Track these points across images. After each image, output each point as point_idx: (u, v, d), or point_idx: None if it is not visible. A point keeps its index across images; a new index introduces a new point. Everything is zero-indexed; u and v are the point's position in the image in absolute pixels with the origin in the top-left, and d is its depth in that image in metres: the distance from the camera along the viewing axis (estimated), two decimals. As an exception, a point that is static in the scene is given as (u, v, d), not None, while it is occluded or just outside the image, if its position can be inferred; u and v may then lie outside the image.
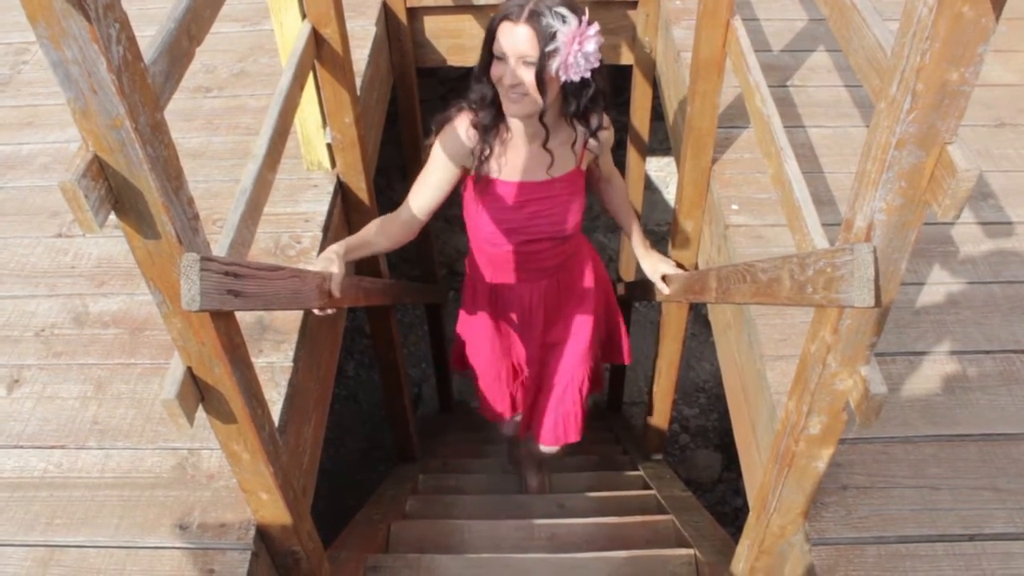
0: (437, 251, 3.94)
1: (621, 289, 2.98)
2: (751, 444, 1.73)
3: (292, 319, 1.73)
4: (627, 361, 2.53)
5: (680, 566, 2.04)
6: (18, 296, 1.86)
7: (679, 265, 2.23)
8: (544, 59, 1.56)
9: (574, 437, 2.35)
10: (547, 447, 2.45)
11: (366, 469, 4.00)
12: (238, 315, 1.14)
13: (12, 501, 1.48)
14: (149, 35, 0.97)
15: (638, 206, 3.37)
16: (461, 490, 3.10)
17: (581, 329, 2.23)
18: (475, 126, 1.77)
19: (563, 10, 1.55)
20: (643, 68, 2.88)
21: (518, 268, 2.04)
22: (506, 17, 1.58)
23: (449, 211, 4.59)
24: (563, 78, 1.60)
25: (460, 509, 2.79)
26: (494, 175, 1.84)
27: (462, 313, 2.32)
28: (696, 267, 2.26)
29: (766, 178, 1.98)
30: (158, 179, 0.89)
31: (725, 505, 3.77)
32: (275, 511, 1.36)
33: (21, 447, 1.57)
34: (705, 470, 3.89)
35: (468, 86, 1.77)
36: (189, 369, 1.09)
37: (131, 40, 0.83)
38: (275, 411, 1.56)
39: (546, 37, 1.55)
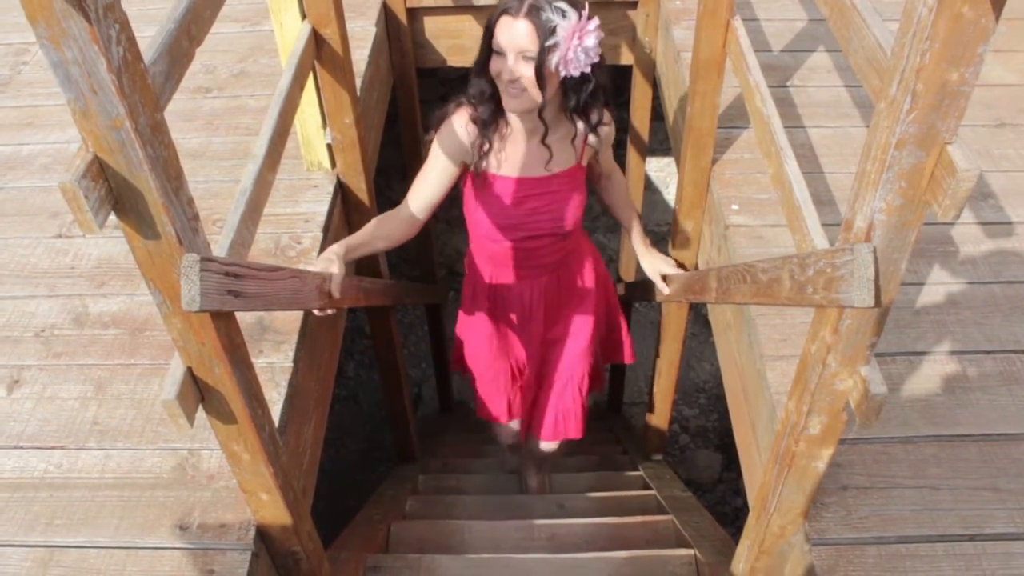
0: (437, 252, 3.94)
1: (621, 289, 2.98)
2: (751, 444, 1.73)
3: (292, 319, 1.73)
4: (629, 360, 2.51)
5: (680, 566, 2.04)
6: (18, 296, 1.86)
7: (679, 265, 2.23)
8: (543, 54, 1.56)
9: (574, 433, 2.35)
10: (547, 444, 2.44)
11: (366, 469, 4.00)
12: (238, 315, 1.14)
13: (12, 501, 1.48)
14: (149, 36, 0.97)
15: (638, 206, 3.37)
16: (461, 490, 3.10)
17: (581, 327, 2.23)
18: (474, 121, 1.76)
19: (563, 5, 1.54)
20: (643, 68, 2.88)
21: (518, 265, 2.03)
22: (505, 11, 1.57)
23: (449, 212, 4.59)
24: (563, 73, 1.60)
25: (460, 509, 2.79)
26: (493, 171, 1.83)
27: (461, 313, 2.31)
28: (696, 267, 2.26)
29: (766, 178, 1.98)
30: (158, 179, 0.89)
31: (725, 505, 3.77)
32: (275, 511, 1.36)
33: (21, 447, 1.57)
34: (705, 470, 3.89)
35: (468, 84, 1.76)
36: (189, 369, 1.09)
37: (131, 41, 0.83)
38: (275, 411, 1.56)
39: (545, 32, 1.54)
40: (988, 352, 1.65)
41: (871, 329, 1.03)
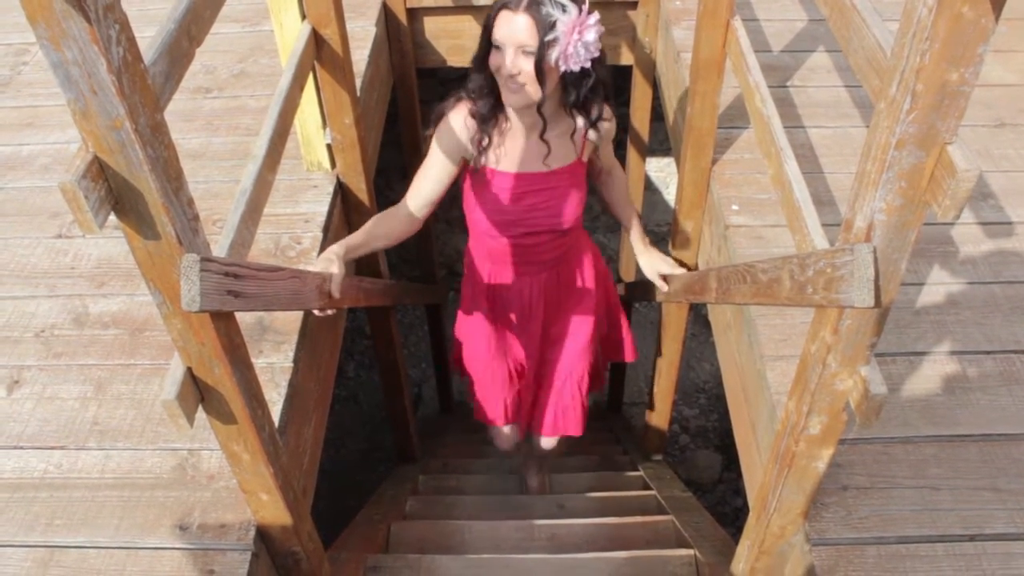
0: (437, 252, 3.95)
1: (621, 289, 2.98)
2: (751, 444, 1.73)
3: (292, 320, 1.73)
4: (630, 358, 2.49)
5: (680, 567, 2.04)
6: (18, 297, 1.86)
7: (679, 263, 2.22)
8: (543, 49, 1.54)
9: (573, 430, 2.34)
10: (547, 440, 2.44)
11: (366, 470, 4.00)
12: (238, 316, 1.14)
13: (12, 502, 1.48)
14: (149, 36, 0.97)
15: (638, 207, 3.37)
16: (461, 490, 3.10)
17: (581, 325, 2.22)
18: (473, 116, 1.75)
19: None
20: (643, 68, 2.88)
21: (517, 261, 2.03)
22: (505, 6, 1.56)
23: (449, 212, 4.60)
24: (563, 68, 1.58)
25: (460, 509, 2.79)
26: (492, 166, 1.83)
27: (460, 314, 2.31)
28: (696, 267, 2.25)
29: (766, 178, 1.98)
30: (158, 180, 0.89)
31: (725, 505, 3.77)
32: (275, 512, 1.36)
33: (21, 448, 1.57)
34: (705, 471, 3.89)
35: (468, 79, 1.76)
36: (189, 370, 1.09)
37: (131, 41, 0.83)
38: (275, 412, 1.56)
39: (545, 26, 1.53)
40: (988, 352, 1.65)
41: (871, 329, 1.03)
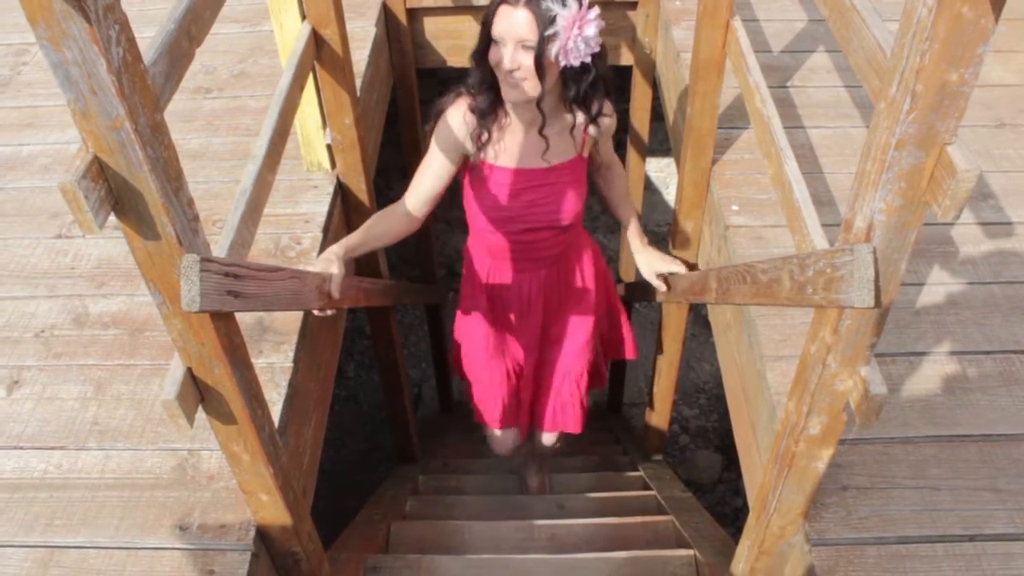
0: (437, 252, 3.95)
1: (621, 290, 2.98)
2: (751, 445, 1.73)
3: (292, 320, 1.73)
4: (631, 356, 2.48)
5: (680, 567, 2.04)
6: (18, 297, 1.86)
7: (686, 264, 2.19)
8: (543, 43, 1.54)
9: (572, 427, 2.33)
10: (547, 436, 2.43)
11: (366, 470, 4.00)
12: (238, 316, 1.14)
13: (12, 502, 1.48)
14: (149, 36, 0.97)
15: (638, 207, 3.37)
16: (461, 491, 3.10)
17: (580, 324, 2.21)
18: (472, 111, 1.74)
19: None
20: (643, 69, 2.88)
21: (517, 258, 2.02)
22: (505, 0, 1.56)
23: (449, 212, 4.59)
24: (562, 63, 1.58)
25: (460, 510, 2.79)
26: (491, 161, 1.82)
27: (458, 314, 2.30)
28: (695, 267, 2.25)
29: (766, 179, 1.98)
30: (158, 180, 0.89)
31: (725, 506, 3.77)
32: (275, 512, 1.36)
33: (21, 448, 1.57)
34: (705, 471, 3.89)
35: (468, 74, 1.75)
36: (189, 370, 1.09)
37: (131, 41, 0.84)
38: (275, 412, 1.56)
39: (545, 21, 1.52)
40: (988, 352, 1.65)
41: (871, 329, 1.03)
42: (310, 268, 1.59)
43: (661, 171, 5.03)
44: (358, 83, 2.19)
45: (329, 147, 2.03)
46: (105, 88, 0.80)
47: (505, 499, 2.93)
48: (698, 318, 4.49)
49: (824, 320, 1.06)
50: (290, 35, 1.75)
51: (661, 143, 4.46)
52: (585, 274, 2.17)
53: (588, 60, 1.58)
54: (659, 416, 3.01)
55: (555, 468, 3.09)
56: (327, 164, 2.07)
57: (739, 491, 3.79)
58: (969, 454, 1.49)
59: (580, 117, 1.78)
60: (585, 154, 1.88)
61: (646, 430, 3.20)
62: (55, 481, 1.51)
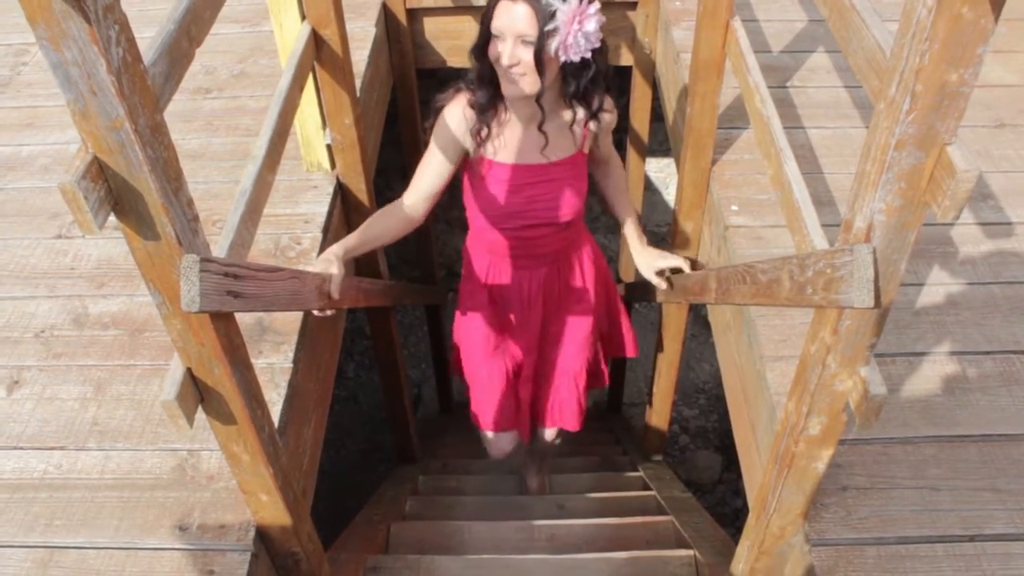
0: (437, 252, 3.95)
1: (621, 290, 2.98)
2: (751, 445, 1.73)
3: (292, 320, 1.73)
4: (632, 353, 2.47)
5: (680, 567, 2.04)
6: (18, 297, 1.86)
7: (690, 262, 2.16)
8: (543, 39, 1.53)
9: (571, 424, 2.33)
10: (548, 432, 2.43)
11: (366, 470, 4.00)
12: (238, 316, 1.14)
13: (12, 502, 1.48)
14: (149, 36, 0.97)
15: (638, 207, 3.37)
16: (461, 491, 3.10)
17: (580, 322, 2.21)
18: (472, 106, 1.74)
19: None
20: (643, 69, 2.88)
21: (517, 255, 2.02)
22: None
23: (449, 213, 4.59)
24: (562, 58, 1.57)
25: (460, 510, 2.79)
26: (490, 157, 1.82)
27: (457, 314, 2.30)
28: (694, 264, 2.24)
29: (766, 179, 1.98)
30: (158, 180, 0.89)
31: (725, 506, 3.77)
32: (275, 512, 1.36)
33: (21, 448, 1.57)
34: (705, 471, 3.89)
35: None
36: (189, 370, 1.09)
37: (131, 42, 0.83)
38: (275, 412, 1.56)
39: (545, 16, 1.52)
40: (988, 353, 1.65)
41: (871, 330, 1.03)
42: (310, 268, 1.59)
43: (661, 171, 5.03)
44: (358, 83, 2.19)
45: (329, 147, 2.03)
46: (105, 88, 0.80)
47: (505, 499, 2.93)
48: (698, 318, 4.49)
49: (824, 320, 1.06)
50: (290, 35, 1.75)
51: (661, 143, 4.46)
52: (585, 273, 2.17)
53: (588, 56, 1.58)
54: (659, 416, 3.01)
55: (555, 468, 3.09)
56: (327, 164, 2.07)
57: (739, 491, 3.79)
58: (969, 454, 1.49)
59: (580, 113, 1.77)
60: (585, 150, 1.88)
61: (646, 430, 3.20)
62: (55, 481, 1.51)
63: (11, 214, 2.09)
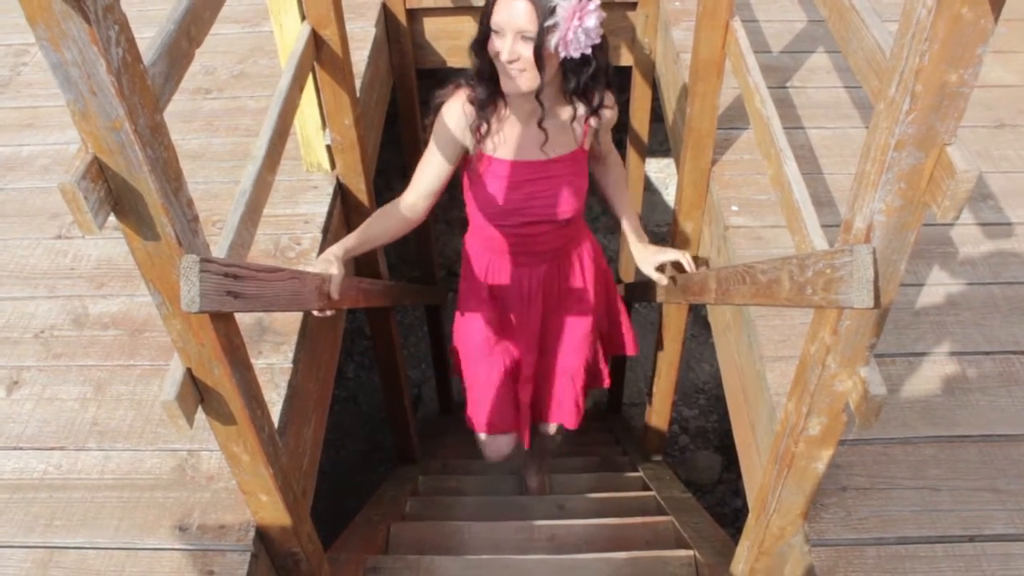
0: (437, 253, 3.95)
1: (621, 290, 2.98)
2: (751, 445, 1.73)
3: (292, 320, 1.73)
4: (632, 352, 2.46)
5: (680, 567, 2.04)
6: (18, 297, 1.86)
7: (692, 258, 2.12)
8: (543, 34, 1.52)
9: (569, 422, 2.32)
10: (545, 427, 2.43)
11: (366, 471, 4.00)
12: (237, 316, 1.14)
13: (11, 503, 1.48)
14: (149, 37, 0.97)
15: (638, 207, 3.37)
16: (461, 491, 3.10)
17: (579, 320, 2.21)
18: (471, 102, 1.73)
19: None
20: (643, 69, 2.88)
21: (516, 252, 2.01)
22: None
23: (449, 213, 4.59)
24: (562, 54, 1.57)
25: (460, 510, 2.79)
26: (490, 153, 1.81)
27: (457, 314, 2.30)
28: (697, 259, 2.24)
29: (766, 179, 1.98)
30: (158, 181, 0.89)
31: (725, 506, 3.77)
32: (275, 513, 1.36)
33: (21, 448, 1.57)
34: (705, 471, 3.89)
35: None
36: (189, 370, 1.09)
37: (130, 42, 0.83)
38: (275, 412, 1.56)
39: (545, 12, 1.51)
40: (987, 353, 1.65)
41: (870, 330, 1.03)
42: (309, 269, 1.59)
43: (661, 171, 5.04)
44: (358, 83, 2.19)
45: (329, 148, 2.03)
46: (105, 89, 0.80)
47: (505, 500, 2.93)
48: (698, 318, 4.49)
49: (824, 321, 1.06)
50: (290, 36, 1.75)
51: (661, 143, 4.47)
52: (585, 271, 2.16)
53: (588, 52, 1.57)
54: (659, 416, 3.01)
55: (555, 468, 3.09)
56: (327, 165, 2.07)
57: (739, 492, 3.79)
58: (969, 455, 1.49)
59: (580, 109, 1.77)
60: (586, 147, 1.87)
61: (646, 430, 3.20)
62: (55, 482, 1.51)
63: (11, 214, 2.09)
